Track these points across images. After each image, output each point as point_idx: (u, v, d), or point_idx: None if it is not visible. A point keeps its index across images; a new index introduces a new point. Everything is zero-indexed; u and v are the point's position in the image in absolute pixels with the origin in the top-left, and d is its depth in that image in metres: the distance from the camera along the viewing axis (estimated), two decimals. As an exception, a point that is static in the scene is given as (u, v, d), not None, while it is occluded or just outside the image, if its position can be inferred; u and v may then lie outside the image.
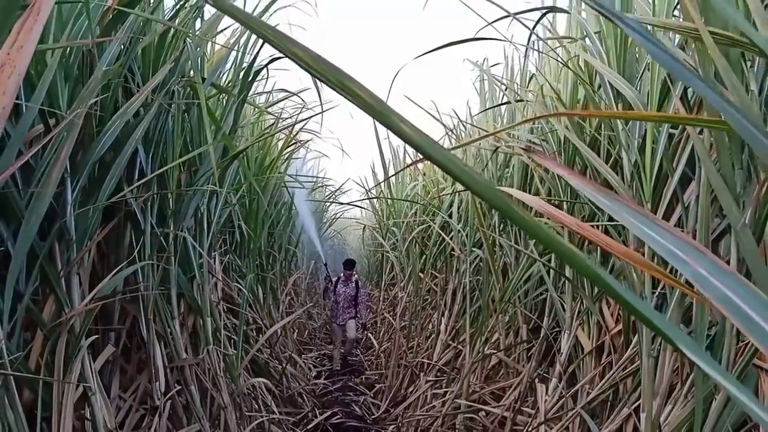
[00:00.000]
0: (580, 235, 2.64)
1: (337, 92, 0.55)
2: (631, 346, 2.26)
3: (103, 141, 1.96)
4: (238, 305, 3.72)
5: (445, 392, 4.00)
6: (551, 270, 3.04)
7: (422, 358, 5.06)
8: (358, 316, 6.97)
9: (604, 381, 2.40)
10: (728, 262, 1.62)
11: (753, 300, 0.54)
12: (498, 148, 3.20)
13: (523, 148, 2.85)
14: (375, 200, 7.79)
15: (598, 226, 2.30)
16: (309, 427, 4.31)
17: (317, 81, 2.77)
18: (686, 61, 1.64)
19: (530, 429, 2.68)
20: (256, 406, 3.54)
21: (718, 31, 1.40)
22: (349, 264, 7.05)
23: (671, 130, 1.87)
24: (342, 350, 6.84)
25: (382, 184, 7.38)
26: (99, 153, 1.97)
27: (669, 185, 1.81)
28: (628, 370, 2.24)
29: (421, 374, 4.80)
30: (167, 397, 2.44)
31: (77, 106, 1.76)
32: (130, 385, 2.55)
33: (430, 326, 5.48)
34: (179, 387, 2.56)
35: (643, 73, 1.94)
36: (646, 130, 1.86)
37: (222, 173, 2.88)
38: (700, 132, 1.63)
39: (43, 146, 1.71)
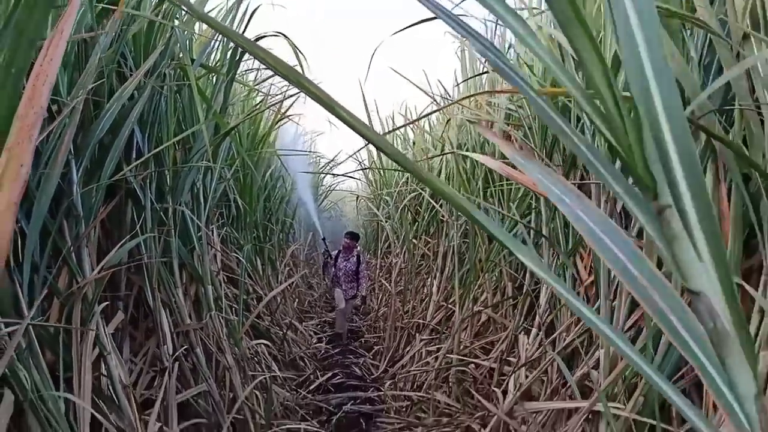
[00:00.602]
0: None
1: (295, 86, 0.71)
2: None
3: (101, 124, 2.11)
4: (238, 275, 3.91)
5: (438, 349, 4.23)
6: (531, 230, 3.23)
7: (417, 319, 5.29)
8: (359, 291, 6.70)
9: (578, 328, 2.60)
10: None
11: (612, 233, 0.71)
12: (449, 120, 3.35)
13: (468, 120, 3.01)
14: (368, 172, 7.93)
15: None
16: (311, 387, 4.55)
17: (302, 60, 2.90)
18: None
19: (512, 374, 2.89)
20: (260, 369, 3.76)
21: (659, 4, 1.55)
22: (353, 235, 6.79)
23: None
24: (341, 315, 6.62)
25: (375, 155, 7.51)
26: (98, 136, 2.12)
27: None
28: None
29: (417, 334, 5.03)
30: (174, 357, 2.64)
31: (76, 93, 1.91)
32: (139, 350, 2.75)
33: (425, 289, 5.70)
34: (186, 347, 2.76)
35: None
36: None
37: (215, 149, 3.03)
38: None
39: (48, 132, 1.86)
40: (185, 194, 2.91)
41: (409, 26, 2.03)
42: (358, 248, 6.77)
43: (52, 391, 1.72)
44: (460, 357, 3.84)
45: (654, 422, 1.71)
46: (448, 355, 3.93)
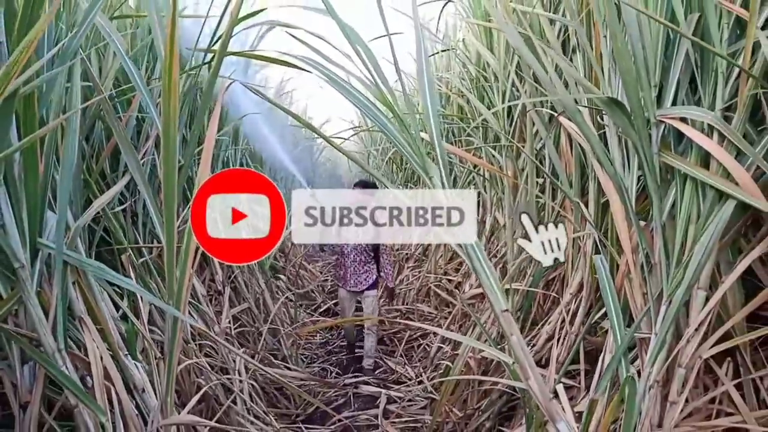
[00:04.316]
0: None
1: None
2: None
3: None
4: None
5: (420, 271, 5.34)
6: (482, 176, 4.27)
7: (405, 252, 6.40)
8: (383, 278, 4.22)
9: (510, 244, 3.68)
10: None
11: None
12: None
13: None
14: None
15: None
16: (321, 310, 5.71)
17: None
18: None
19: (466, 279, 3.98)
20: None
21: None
22: (366, 185, 4.11)
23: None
24: (360, 336, 4.50)
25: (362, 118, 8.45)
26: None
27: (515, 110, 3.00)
28: (520, 233, 3.50)
29: (405, 263, 6.15)
30: (223, 283, 3.72)
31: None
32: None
33: (411, 228, 6.77)
34: (233, 275, 3.84)
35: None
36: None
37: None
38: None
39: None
40: (219, 163, 3.93)
41: None
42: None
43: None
44: (436, 275, 4.95)
45: (537, 290, 2.81)
46: (427, 275, 5.04)
